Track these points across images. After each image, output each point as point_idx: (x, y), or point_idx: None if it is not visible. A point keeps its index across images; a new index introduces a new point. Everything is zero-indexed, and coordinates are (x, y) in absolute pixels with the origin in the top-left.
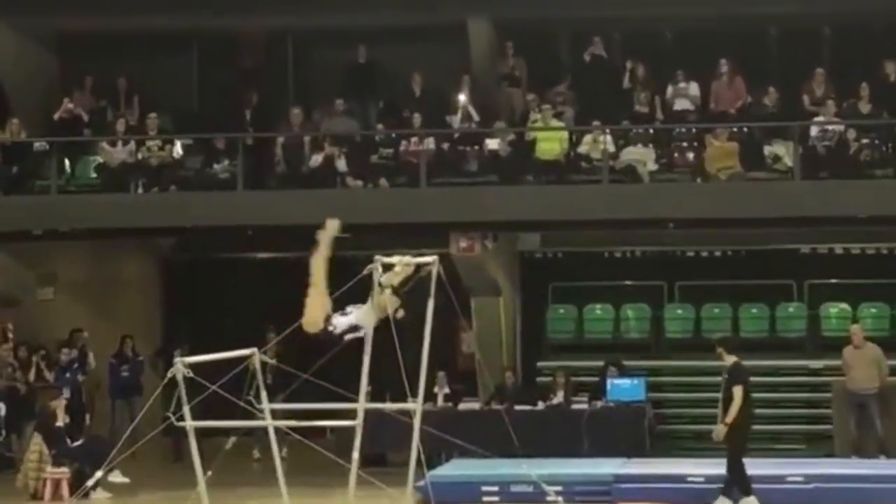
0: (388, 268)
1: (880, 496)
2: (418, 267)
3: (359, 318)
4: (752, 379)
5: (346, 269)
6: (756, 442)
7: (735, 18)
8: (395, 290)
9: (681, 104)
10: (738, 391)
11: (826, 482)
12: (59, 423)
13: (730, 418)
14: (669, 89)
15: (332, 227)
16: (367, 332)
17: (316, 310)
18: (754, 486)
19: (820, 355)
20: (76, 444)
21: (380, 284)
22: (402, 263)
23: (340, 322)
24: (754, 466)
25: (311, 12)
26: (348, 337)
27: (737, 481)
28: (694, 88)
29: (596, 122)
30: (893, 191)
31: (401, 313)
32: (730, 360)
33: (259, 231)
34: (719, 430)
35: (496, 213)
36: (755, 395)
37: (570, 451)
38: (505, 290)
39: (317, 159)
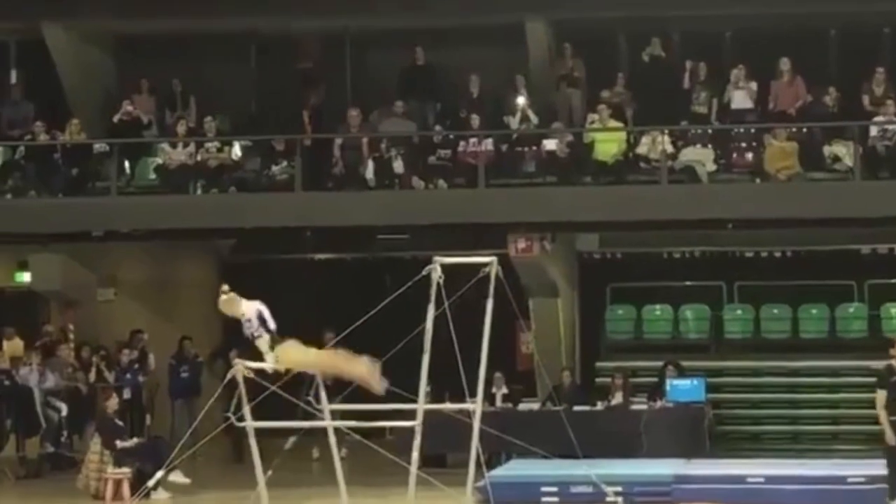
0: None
1: None
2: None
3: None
4: (811, 380)
5: (405, 270)
6: (817, 443)
7: (795, 18)
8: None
9: (740, 104)
10: None
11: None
12: (119, 424)
13: None
14: (728, 89)
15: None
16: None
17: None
18: (815, 487)
19: (881, 356)
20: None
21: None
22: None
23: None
24: (815, 467)
25: (369, 14)
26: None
27: None
28: (753, 88)
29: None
30: None
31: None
32: None
33: (317, 232)
34: None
35: (554, 214)
36: (815, 395)
37: (629, 452)
38: (563, 291)
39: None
